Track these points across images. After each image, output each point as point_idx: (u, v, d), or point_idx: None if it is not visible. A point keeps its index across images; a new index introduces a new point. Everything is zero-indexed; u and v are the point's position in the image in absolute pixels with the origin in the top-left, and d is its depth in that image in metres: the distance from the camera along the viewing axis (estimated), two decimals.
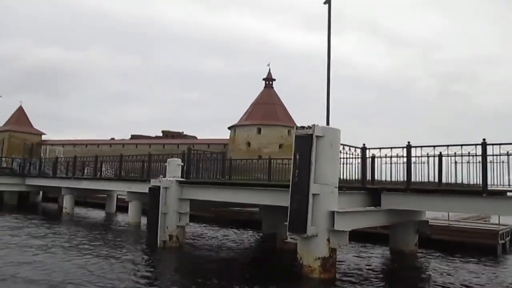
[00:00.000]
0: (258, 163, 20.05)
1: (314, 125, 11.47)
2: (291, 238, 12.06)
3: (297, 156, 11.46)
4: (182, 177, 15.86)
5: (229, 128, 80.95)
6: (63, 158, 32.68)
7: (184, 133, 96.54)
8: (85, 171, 26.25)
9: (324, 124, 13.86)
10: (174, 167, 15.75)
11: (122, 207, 28.08)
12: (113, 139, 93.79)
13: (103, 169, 25.02)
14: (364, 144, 13.97)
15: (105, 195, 27.79)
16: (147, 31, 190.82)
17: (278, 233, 16.08)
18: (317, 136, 11.36)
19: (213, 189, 15.14)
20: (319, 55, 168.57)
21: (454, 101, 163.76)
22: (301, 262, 11.48)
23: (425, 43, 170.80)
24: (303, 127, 11.69)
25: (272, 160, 19.55)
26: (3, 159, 36.46)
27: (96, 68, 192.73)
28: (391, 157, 13.37)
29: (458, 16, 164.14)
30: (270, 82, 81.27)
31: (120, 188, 23.01)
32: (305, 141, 11.43)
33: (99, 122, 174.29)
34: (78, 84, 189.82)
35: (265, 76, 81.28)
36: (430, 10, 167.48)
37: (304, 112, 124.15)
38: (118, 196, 28.11)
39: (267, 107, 77.67)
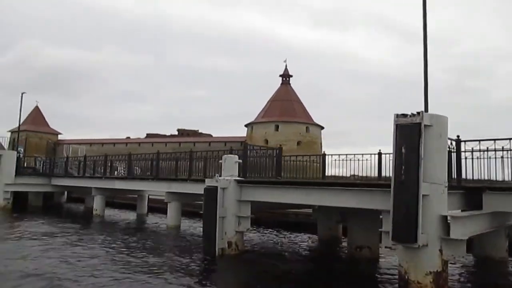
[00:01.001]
0: (310, 160, 17.86)
1: (421, 111, 9.36)
2: (390, 246, 9.99)
3: (403, 150, 9.34)
4: (239, 176, 13.82)
5: (246, 125, 78.95)
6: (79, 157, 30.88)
7: (199, 131, 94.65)
8: (117, 170, 24.32)
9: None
10: (231, 165, 13.67)
11: (153, 208, 26.22)
12: (128, 137, 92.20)
13: (135, 168, 23.10)
14: (458, 136, 11.85)
15: (136, 196, 25.82)
16: (158, 30, 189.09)
17: (351, 239, 14.01)
18: (425, 126, 9.27)
19: (278, 190, 13.01)
20: (328, 51, 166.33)
21: (469, 95, 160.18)
22: (406, 277, 9.34)
23: (438, 37, 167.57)
24: (405, 115, 9.55)
25: (326, 156, 17.44)
26: (25, 158, 34.57)
27: (109, 67, 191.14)
28: (495, 150, 11.22)
29: (472, 9, 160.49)
30: (287, 79, 79.13)
31: (157, 188, 21.01)
32: (411, 131, 9.30)
33: (113, 121, 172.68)
34: (91, 84, 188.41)
35: (281, 73, 79.16)
36: (442, 4, 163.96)
37: (315, 109, 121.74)
38: (150, 197, 26.22)
39: (285, 104, 75.53)
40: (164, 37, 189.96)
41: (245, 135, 79.31)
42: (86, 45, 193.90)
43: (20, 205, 27.36)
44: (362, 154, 16.22)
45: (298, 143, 72.08)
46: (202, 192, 18.58)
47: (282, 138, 71.99)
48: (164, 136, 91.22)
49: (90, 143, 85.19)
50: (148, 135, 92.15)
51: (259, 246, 15.43)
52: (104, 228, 19.55)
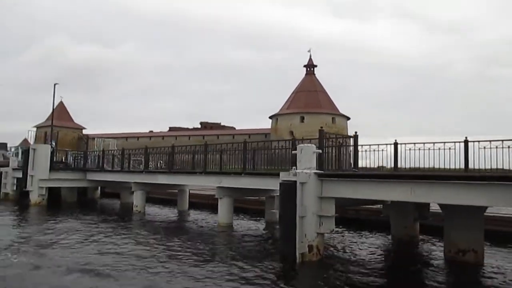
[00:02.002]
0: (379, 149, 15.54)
1: None
2: None
3: None
4: (317, 168, 11.70)
5: (270, 117, 76.77)
6: (116, 151, 29.16)
7: (222, 124, 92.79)
8: (159, 164, 22.45)
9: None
10: (308, 156, 11.52)
11: (193, 204, 24.32)
12: (151, 131, 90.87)
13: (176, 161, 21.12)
14: None
15: (175, 190, 23.93)
16: (178, 25, 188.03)
17: (449, 241, 11.80)
18: None
19: (371, 185, 10.83)
20: (348, 43, 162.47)
21: (492, 85, 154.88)
22: None
23: (461, 26, 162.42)
24: None
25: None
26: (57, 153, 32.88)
27: (130, 63, 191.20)
28: None
29: None
30: (312, 69, 76.53)
31: (206, 183, 19.04)
32: None
33: (134, 116, 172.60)
34: (113, 80, 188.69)
35: (305, 63, 76.63)
36: None
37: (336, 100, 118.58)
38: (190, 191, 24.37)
39: (310, 95, 73.09)
40: (185, 32, 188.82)
41: (269, 127, 77.24)
42: (107, 42, 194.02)
43: (54, 201, 25.76)
44: (444, 143, 13.97)
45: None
46: (258, 187, 17.00)
47: (307, 129, 69.35)
48: (187, 129, 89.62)
49: (113, 137, 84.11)
50: (171, 129, 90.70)
51: (334, 249, 13.32)
52: (149, 227, 17.63)
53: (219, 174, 17.73)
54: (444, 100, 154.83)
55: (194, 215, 21.70)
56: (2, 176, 28.74)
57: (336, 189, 11.18)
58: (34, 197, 24.33)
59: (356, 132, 13.42)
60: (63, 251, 12.28)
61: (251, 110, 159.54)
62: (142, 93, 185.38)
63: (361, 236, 16.02)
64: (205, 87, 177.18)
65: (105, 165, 26.58)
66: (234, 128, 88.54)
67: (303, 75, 76.92)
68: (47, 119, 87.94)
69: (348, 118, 74.57)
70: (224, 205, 17.60)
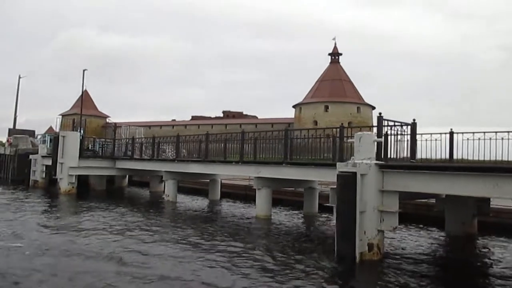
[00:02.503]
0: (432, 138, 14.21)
1: None
2: None
3: None
4: (378, 158, 10.52)
5: (293, 106, 75.46)
6: (144, 139, 28.41)
7: (244, 113, 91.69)
8: (189, 152, 21.50)
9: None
10: (368, 145, 10.34)
11: (225, 194, 23.39)
12: (174, 120, 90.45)
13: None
14: None
15: (208, 180, 23.00)
16: (199, 16, 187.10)
17: None
18: None
19: (443, 177, 9.56)
20: (372, 31, 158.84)
21: None
22: None
23: (488, 13, 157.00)
24: None
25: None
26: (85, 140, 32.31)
27: (153, 54, 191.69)
28: None
29: None
30: (337, 57, 74.70)
31: (243, 173, 18.07)
32: None
33: (156, 105, 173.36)
34: (135, 70, 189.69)
35: (330, 51, 74.80)
36: None
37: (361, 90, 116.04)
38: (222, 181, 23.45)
39: (334, 84, 71.40)
40: (208, 22, 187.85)
41: (292, 116, 75.91)
42: (131, 33, 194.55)
43: (83, 189, 25.17)
44: (509, 132, 12.57)
45: (349, 124, 68.05)
46: (299, 178, 15.92)
47: (332, 119, 67.80)
48: (209, 118, 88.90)
49: (136, 125, 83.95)
50: (193, 118, 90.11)
51: (393, 247, 12.14)
52: (184, 219, 16.72)
53: (257, 164, 16.67)
54: (471, 90, 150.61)
55: (227, 206, 20.74)
56: (32, 163, 28.30)
57: (400, 182, 9.97)
58: (64, 185, 23.73)
59: (414, 120, 12.16)
60: (101, 239, 11.53)
61: (272, 100, 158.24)
62: (164, 83, 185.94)
63: (413, 231, 14.79)
64: (227, 76, 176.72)
65: (129, 153, 25.94)
66: (257, 117, 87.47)
67: (328, 64, 75.19)
68: (72, 107, 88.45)
69: (373, 108, 72.63)
70: (262, 197, 16.55)
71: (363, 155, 10.34)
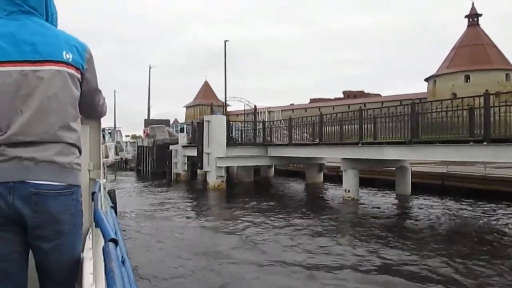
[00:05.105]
0: None
1: None
2: None
3: None
4: None
5: (426, 80, 65.21)
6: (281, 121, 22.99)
7: (365, 91, 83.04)
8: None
9: None
10: None
11: (417, 185, 16.76)
12: (292, 104, 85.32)
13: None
14: None
15: (394, 168, 16.67)
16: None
17: None
18: None
19: None
20: None
21: None
22: None
23: None
24: None
25: None
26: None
27: (259, 41, 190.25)
28: None
29: None
30: (475, 19, 62.35)
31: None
32: None
33: (271, 90, 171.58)
34: (248, 57, 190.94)
35: (467, 13, 62.70)
36: None
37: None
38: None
39: (475, 49, 59.52)
40: (312, 2, 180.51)
41: (421, 91, 65.79)
42: (241, 23, 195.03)
43: (230, 182, 20.53)
44: None
45: (496, 94, 56.04)
46: None
47: (474, 90, 56.10)
48: (329, 99, 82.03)
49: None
50: (312, 100, 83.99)
51: None
52: (379, 227, 10.63)
53: None
54: None
55: (431, 206, 14.17)
56: (172, 155, 24.56)
57: None
58: (212, 179, 19.19)
59: None
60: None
61: (393, 76, 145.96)
62: (276, 67, 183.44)
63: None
64: (342, 55, 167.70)
65: (274, 139, 20.70)
66: (380, 95, 78.45)
67: (465, 28, 63.26)
68: (195, 98, 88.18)
69: None
70: None
71: None
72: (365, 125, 14.97)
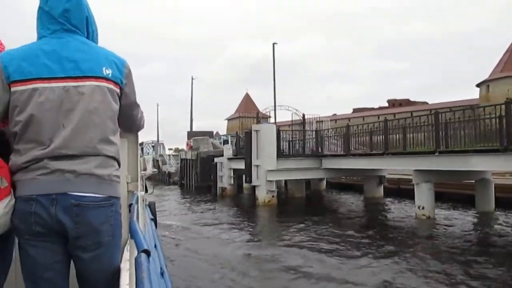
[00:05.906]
0: None
1: None
2: None
3: None
4: None
5: (477, 85, 60.97)
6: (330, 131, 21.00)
7: (410, 100, 79.11)
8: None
9: None
10: None
11: (501, 201, 14.21)
12: (335, 114, 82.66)
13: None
14: None
15: (473, 181, 14.22)
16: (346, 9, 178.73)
17: None
18: None
19: None
20: None
21: None
22: None
23: None
24: None
25: None
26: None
27: (306, 55, 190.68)
28: None
29: None
30: None
31: None
32: None
33: (315, 101, 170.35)
34: (291, 70, 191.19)
35: None
36: None
37: None
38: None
39: None
40: (357, 17, 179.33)
41: (472, 97, 61.45)
42: (282, 37, 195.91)
43: (279, 197, 18.60)
44: None
45: None
46: None
47: None
48: (373, 109, 78.78)
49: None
50: (355, 110, 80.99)
51: None
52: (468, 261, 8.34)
53: None
54: None
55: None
56: (218, 167, 22.99)
57: None
58: (261, 194, 17.37)
59: None
60: None
61: (437, 85, 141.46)
62: (320, 80, 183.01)
63: None
64: (384, 65, 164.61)
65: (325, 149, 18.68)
66: (427, 103, 74.39)
67: None
68: (236, 111, 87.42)
69: None
70: None
71: None
72: (441, 132, 12.72)
